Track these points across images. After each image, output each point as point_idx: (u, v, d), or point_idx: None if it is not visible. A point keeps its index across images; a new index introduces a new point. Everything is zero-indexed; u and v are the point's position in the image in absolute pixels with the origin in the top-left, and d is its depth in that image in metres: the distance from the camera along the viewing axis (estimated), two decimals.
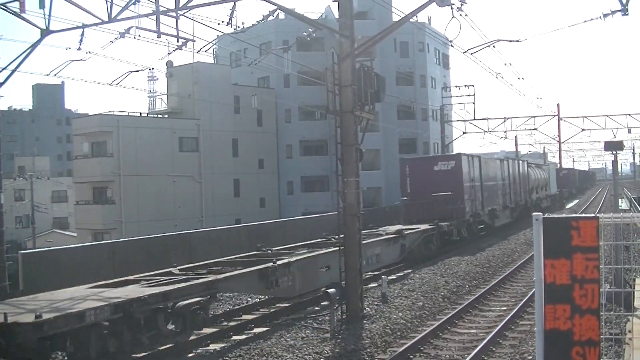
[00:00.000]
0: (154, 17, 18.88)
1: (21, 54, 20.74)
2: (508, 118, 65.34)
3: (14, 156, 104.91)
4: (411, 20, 21.97)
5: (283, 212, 59.88)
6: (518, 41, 25.26)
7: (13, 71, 21.22)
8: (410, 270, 25.75)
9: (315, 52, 57.52)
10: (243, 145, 59.33)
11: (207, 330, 16.37)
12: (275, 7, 20.73)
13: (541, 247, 6.02)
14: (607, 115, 64.08)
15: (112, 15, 19.04)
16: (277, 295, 18.99)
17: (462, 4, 19.28)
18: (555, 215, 6.23)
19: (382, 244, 24.98)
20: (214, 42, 26.55)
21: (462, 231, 34.80)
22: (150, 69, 55.93)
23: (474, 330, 16.80)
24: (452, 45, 25.93)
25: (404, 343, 15.23)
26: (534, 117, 66.35)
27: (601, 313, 6.02)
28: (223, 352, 14.51)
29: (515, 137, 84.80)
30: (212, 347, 15.12)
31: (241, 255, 21.28)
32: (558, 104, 70.45)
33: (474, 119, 62.77)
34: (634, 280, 16.76)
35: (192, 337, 15.08)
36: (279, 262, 17.77)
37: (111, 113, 52.24)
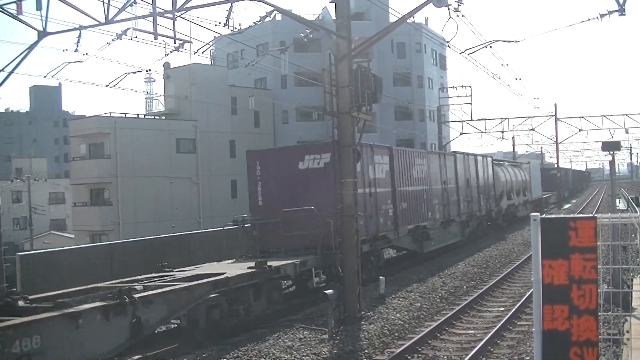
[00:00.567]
0: (150, 18, 18.87)
1: (18, 56, 20.70)
2: (505, 119, 65.47)
3: (11, 158, 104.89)
4: (408, 21, 21.97)
5: None
6: (515, 42, 25.26)
7: (10, 73, 21.19)
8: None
9: (313, 53, 57.53)
10: (240, 146, 59.17)
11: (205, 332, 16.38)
12: (272, 9, 20.71)
13: (539, 247, 6.01)
14: (605, 116, 64.17)
15: (109, 17, 19.02)
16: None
17: (459, 5, 19.28)
18: (553, 216, 6.23)
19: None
20: (211, 43, 26.47)
21: (334, 272, 20.22)
22: (147, 71, 56.12)
23: (472, 331, 16.81)
24: (449, 46, 25.88)
25: (401, 344, 15.24)
26: (532, 117, 66.51)
27: (599, 313, 6.02)
28: (221, 353, 14.50)
29: (513, 137, 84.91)
30: (210, 348, 15.11)
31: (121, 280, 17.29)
32: (555, 105, 70.48)
33: (472, 120, 62.84)
34: (632, 280, 16.78)
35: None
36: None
37: (108, 115, 52.16)
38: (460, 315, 18.46)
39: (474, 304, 19.99)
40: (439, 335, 16.30)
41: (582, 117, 66.39)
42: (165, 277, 17.09)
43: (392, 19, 41.51)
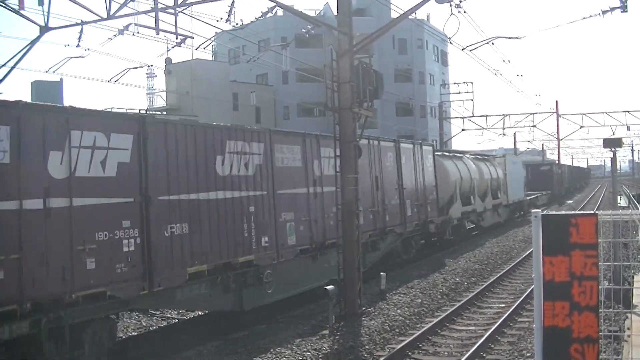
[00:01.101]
0: (152, 14, 18.88)
1: (20, 51, 20.75)
2: (507, 115, 65.49)
3: None
4: (410, 17, 21.95)
5: None
6: (517, 38, 25.38)
7: (12, 68, 21.23)
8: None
9: (314, 49, 57.52)
10: None
11: (206, 327, 16.41)
12: (274, 4, 20.71)
13: (540, 244, 6.01)
14: (606, 113, 64.26)
15: (111, 12, 19.03)
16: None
17: (460, 1, 19.30)
18: (554, 212, 6.23)
19: None
20: (212, 39, 26.50)
21: None
22: (148, 66, 56.17)
23: (473, 327, 16.80)
24: (450, 42, 25.89)
25: (402, 340, 15.24)
26: (533, 114, 66.52)
27: (600, 310, 6.02)
28: (220, 349, 14.51)
29: (514, 134, 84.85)
30: (209, 344, 15.12)
31: None
32: (557, 101, 70.59)
33: (473, 116, 62.92)
34: (633, 277, 16.79)
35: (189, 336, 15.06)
36: None
37: (110, 110, 52.15)
38: (461, 311, 18.45)
39: (475, 300, 19.99)
40: (439, 331, 16.30)
41: (584, 114, 66.47)
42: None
43: (394, 15, 41.47)
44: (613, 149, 23.64)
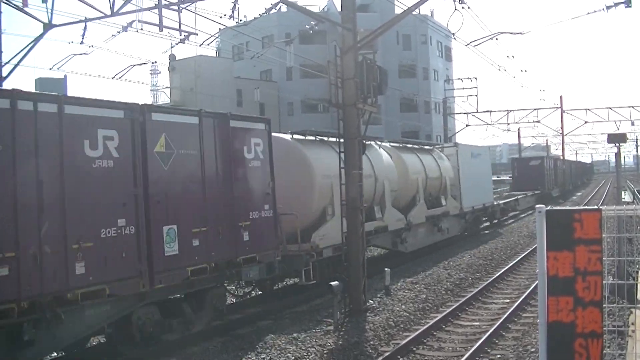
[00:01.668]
0: (156, 10, 18.93)
1: (24, 48, 20.81)
2: (511, 111, 65.49)
3: None
4: (414, 12, 21.94)
5: None
6: (521, 33, 25.31)
7: (16, 65, 21.29)
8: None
9: (318, 45, 57.50)
10: None
11: (212, 323, 16.44)
12: (278, 1, 20.73)
13: (544, 239, 6.03)
14: (611, 108, 64.25)
15: (115, 9, 19.08)
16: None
17: None
18: (558, 208, 6.24)
19: None
20: (216, 35, 26.53)
21: None
22: (152, 63, 56.41)
23: (477, 323, 16.82)
24: (454, 38, 25.88)
25: (407, 335, 15.26)
26: (537, 109, 66.58)
27: (604, 305, 6.04)
28: (227, 345, 14.55)
29: (518, 129, 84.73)
30: (216, 340, 15.16)
31: None
32: (561, 97, 70.62)
33: (477, 112, 62.80)
34: (637, 272, 16.78)
35: (194, 331, 15.13)
36: None
37: None
38: (466, 307, 18.47)
39: (479, 295, 20.00)
40: (444, 327, 16.32)
41: (588, 109, 66.49)
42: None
43: (398, 11, 41.44)
44: (617, 144, 23.59)
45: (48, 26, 20.07)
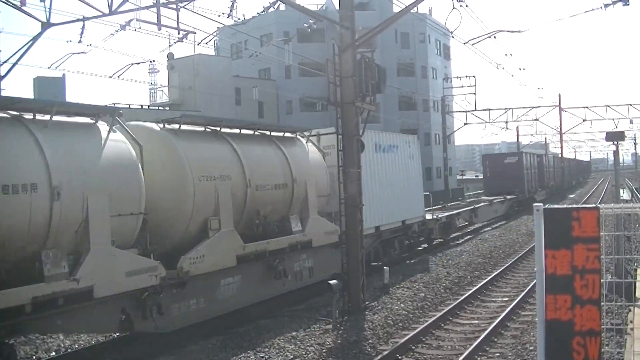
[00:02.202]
0: (154, 9, 18.90)
1: (22, 47, 20.78)
2: (509, 109, 65.47)
3: None
4: (412, 11, 21.94)
5: None
6: (519, 32, 25.31)
7: (14, 64, 21.26)
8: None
9: (316, 43, 57.45)
10: None
11: (211, 322, 16.45)
12: None
13: (542, 237, 6.03)
14: (609, 106, 64.20)
15: (113, 8, 19.04)
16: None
17: None
18: (556, 206, 6.25)
19: None
20: (214, 34, 26.52)
21: None
22: (151, 62, 56.22)
23: (476, 321, 16.84)
24: (452, 36, 25.89)
25: (405, 334, 15.28)
26: (535, 107, 66.44)
27: (602, 303, 6.04)
28: (226, 343, 14.55)
29: (517, 128, 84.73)
30: (214, 338, 15.17)
31: None
32: (559, 95, 70.70)
33: (475, 110, 62.86)
34: (636, 270, 16.79)
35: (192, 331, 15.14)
36: None
37: (112, 105, 52.17)
38: (464, 305, 18.49)
39: (478, 294, 20.02)
40: (443, 325, 16.33)
41: (586, 107, 66.42)
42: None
43: (396, 9, 41.44)
44: (615, 142, 23.59)
45: (46, 25, 20.04)
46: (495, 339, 14.84)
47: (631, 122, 67.70)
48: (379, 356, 13.45)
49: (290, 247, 18.28)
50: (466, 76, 62.40)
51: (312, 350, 13.84)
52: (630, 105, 62.67)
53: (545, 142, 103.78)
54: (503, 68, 43.74)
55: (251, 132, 18.61)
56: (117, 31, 22.19)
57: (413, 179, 27.09)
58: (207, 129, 16.91)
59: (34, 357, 14.35)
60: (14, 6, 19.66)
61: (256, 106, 60.31)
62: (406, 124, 65.99)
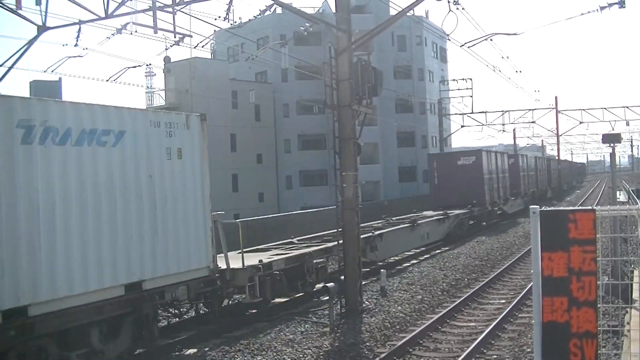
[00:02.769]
0: (150, 12, 18.89)
1: (18, 51, 20.73)
2: (506, 111, 65.56)
3: None
4: (408, 14, 21.96)
5: (282, 206, 59.87)
6: (515, 34, 25.33)
7: (10, 68, 21.22)
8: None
9: (313, 46, 57.44)
10: (241, 140, 59.28)
11: (207, 326, 16.43)
12: (273, 2, 20.72)
13: (538, 239, 6.03)
14: (605, 108, 64.26)
15: (109, 12, 19.04)
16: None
17: None
18: (552, 208, 6.25)
19: None
20: (211, 37, 26.52)
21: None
22: (147, 65, 56.28)
23: (473, 324, 16.84)
24: (449, 39, 25.89)
25: (403, 337, 15.27)
26: (532, 110, 66.59)
27: (599, 305, 6.04)
28: (222, 347, 14.53)
29: (514, 130, 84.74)
30: (211, 342, 15.15)
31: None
32: (556, 97, 70.61)
33: (472, 113, 62.90)
34: (632, 272, 16.80)
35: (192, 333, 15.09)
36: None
37: None
38: (462, 307, 18.49)
39: (475, 296, 20.03)
40: (440, 327, 16.33)
41: (583, 109, 66.48)
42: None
43: (393, 12, 41.50)
44: (612, 145, 23.65)
45: (42, 28, 20.02)
46: (493, 342, 14.84)
47: (628, 124, 67.76)
48: (377, 359, 13.45)
49: None
50: (463, 79, 62.33)
51: (310, 354, 13.83)
52: (627, 107, 62.77)
53: (542, 144, 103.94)
54: (500, 71, 43.91)
55: None
56: (113, 35, 22.17)
57: (180, 195, 14.92)
58: None
59: None
60: (10, 10, 19.63)
61: (253, 109, 60.34)
62: (403, 127, 66.04)
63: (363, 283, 18.33)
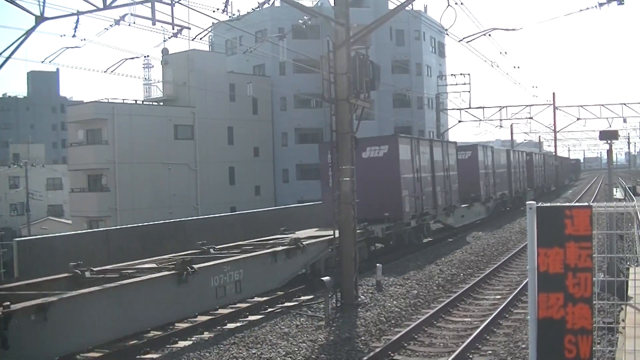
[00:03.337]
0: (149, 4, 18.79)
1: (15, 41, 20.61)
2: (504, 107, 65.41)
3: (8, 143, 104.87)
4: (407, 8, 21.91)
5: (278, 200, 59.89)
6: (514, 30, 25.36)
7: (7, 58, 21.10)
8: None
9: (311, 40, 57.39)
10: (238, 133, 59.27)
11: (202, 318, 16.43)
12: None
13: (535, 235, 6.03)
14: (603, 105, 64.20)
15: (107, 2, 18.93)
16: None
17: None
18: (549, 204, 6.24)
19: None
20: (209, 29, 26.42)
21: None
22: (145, 57, 56.18)
23: (469, 319, 16.85)
24: (447, 34, 25.90)
25: (398, 331, 15.28)
26: (530, 106, 66.43)
27: (595, 302, 6.04)
28: (217, 340, 14.53)
29: (511, 125, 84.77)
30: (206, 334, 15.16)
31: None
32: (554, 93, 71.17)
33: (470, 108, 62.82)
34: (628, 269, 16.83)
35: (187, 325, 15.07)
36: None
37: (106, 100, 52.09)
38: (457, 302, 18.50)
39: (471, 291, 20.03)
40: (435, 322, 16.33)
41: (581, 106, 66.40)
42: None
43: (391, 6, 41.42)
44: (609, 141, 23.63)
45: (40, 19, 19.90)
46: (488, 337, 14.85)
47: (625, 121, 67.75)
48: (372, 353, 13.44)
49: None
50: (461, 74, 62.26)
51: (305, 347, 13.84)
52: (625, 104, 62.76)
53: (539, 140, 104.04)
54: (498, 66, 43.80)
55: None
56: (111, 26, 22.06)
57: None
58: None
59: None
60: None
61: (250, 102, 60.31)
62: (400, 121, 66.01)
63: (358, 277, 18.31)
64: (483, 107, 64.57)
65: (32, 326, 11.43)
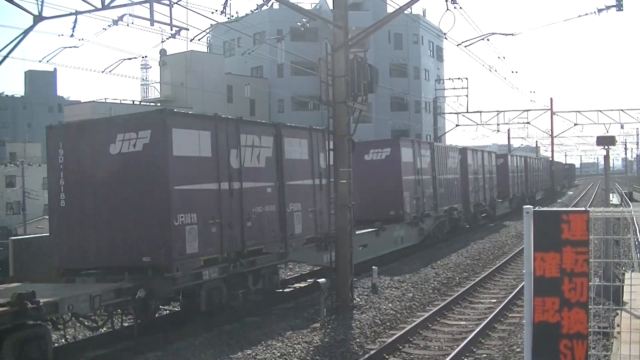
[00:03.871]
0: (147, 4, 18.80)
1: (13, 40, 20.62)
2: (501, 111, 65.46)
3: (5, 142, 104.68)
4: (405, 12, 21.94)
5: None
6: (512, 34, 25.35)
7: (5, 57, 21.10)
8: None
9: (309, 42, 57.47)
10: None
11: (197, 319, 16.40)
12: None
13: (531, 240, 6.03)
14: (600, 111, 64.30)
15: (106, 2, 18.94)
16: None
17: None
18: (546, 209, 6.25)
19: None
20: (207, 31, 26.44)
21: None
22: (143, 57, 56.12)
23: (464, 322, 16.86)
24: (446, 38, 25.93)
25: (393, 334, 15.28)
26: (527, 110, 66.53)
27: (590, 307, 6.05)
28: (213, 341, 14.52)
29: (508, 130, 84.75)
30: (202, 336, 15.13)
31: None
32: (551, 98, 70.66)
33: (467, 112, 62.86)
34: (624, 274, 16.85)
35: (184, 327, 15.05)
36: None
37: (104, 100, 52.09)
38: (452, 306, 18.50)
39: (466, 295, 20.04)
40: (430, 325, 16.34)
41: (578, 111, 66.49)
42: None
43: (390, 9, 41.49)
44: (606, 147, 23.65)
45: (38, 18, 19.90)
46: (483, 340, 14.85)
47: (622, 127, 67.86)
48: (366, 355, 13.45)
49: None
50: (459, 78, 62.32)
51: (300, 349, 13.83)
52: (622, 110, 62.88)
53: (537, 145, 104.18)
54: (496, 71, 43.77)
55: None
56: (109, 26, 22.06)
57: None
58: None
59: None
60: None
61: (248, 104, 60.33)
62: (398, 125, 66.10)
63: (354, 279, 18.31)
64: (480, 112, 64.63)
65: None
